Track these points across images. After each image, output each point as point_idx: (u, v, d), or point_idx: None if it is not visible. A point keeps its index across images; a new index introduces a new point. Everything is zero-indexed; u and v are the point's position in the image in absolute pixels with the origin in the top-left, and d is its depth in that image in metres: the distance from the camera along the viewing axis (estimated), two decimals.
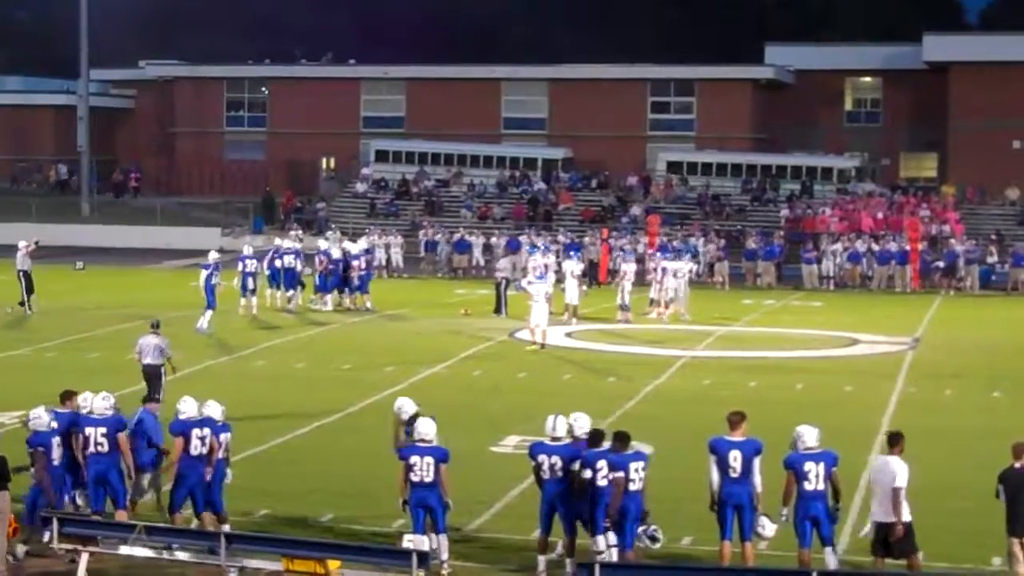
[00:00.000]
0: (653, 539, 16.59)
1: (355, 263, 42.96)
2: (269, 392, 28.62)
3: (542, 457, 16.90)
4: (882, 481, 16.10)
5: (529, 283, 37.01)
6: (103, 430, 17.92)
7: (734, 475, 16.48)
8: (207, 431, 17.94)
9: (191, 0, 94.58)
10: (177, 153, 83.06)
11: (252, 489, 19.84)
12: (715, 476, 16.62)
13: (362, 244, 45.41)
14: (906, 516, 15.98)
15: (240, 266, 41.40)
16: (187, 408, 18.11)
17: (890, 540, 15.95)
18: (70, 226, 68.56)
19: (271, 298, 42.63)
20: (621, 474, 16.32)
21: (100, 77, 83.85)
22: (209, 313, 37.00)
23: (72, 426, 18.29)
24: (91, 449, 17.93)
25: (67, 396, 18.72)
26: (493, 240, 56.71)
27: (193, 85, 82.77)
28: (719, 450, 16.60)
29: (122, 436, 17.96)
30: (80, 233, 67.65)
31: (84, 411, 18.22)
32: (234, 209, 71.13)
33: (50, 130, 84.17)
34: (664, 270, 42.27)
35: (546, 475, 16.92)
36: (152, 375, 25.44)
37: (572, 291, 39.63)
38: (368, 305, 42.75)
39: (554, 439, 17.02)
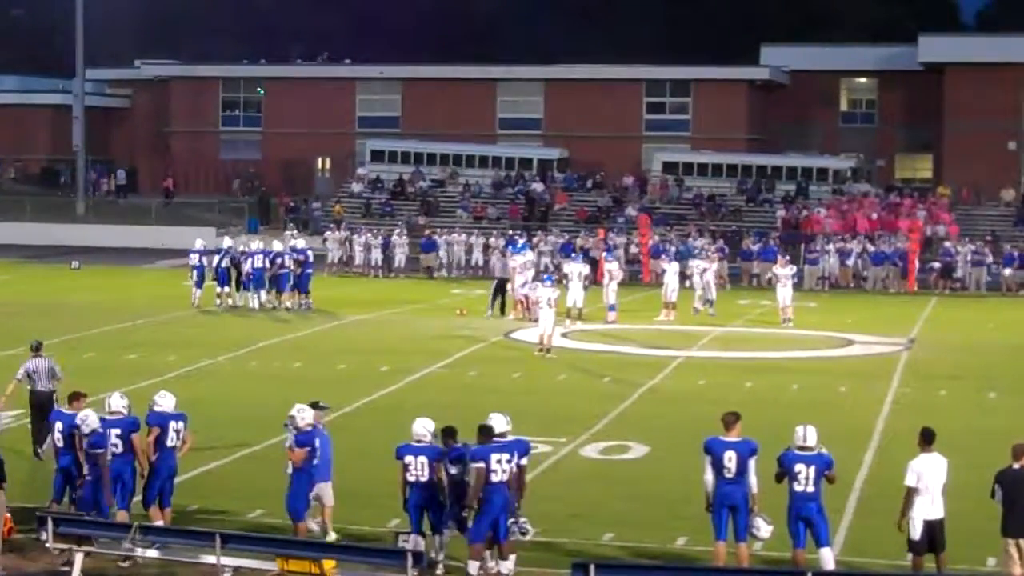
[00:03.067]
0: (523, 532, 16.62)
1: (285, 260, 42.72)
2: (264, 392, 28.59)
3: (408, 458, 16.93)
4: (934, 479, 16.12)
5: (534, 287, 36.91)
6: (118, 431, 17.73)
7: (729, 476, 16.47)
8: (181, 424, 18.07)
9: (187, 0, 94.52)
10: (173, 152, 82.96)
11: (247, 489, 19.83)
12: (710, 477, 16.61)
13: (298, 243, 45.04)
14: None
15: (191, 260, 43.21)
16: (165, 402, 18.18)
17: (938, 536, 16.05)
18: (65, 225, 68.54)
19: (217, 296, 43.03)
20: (481, 465, 16.39)
21: (96, 76, 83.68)
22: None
23: (76, 428, 18.17)
24: None
25: (74, 397, 18.56)
26: (448, 238, 56.77)
27: (189, 85, 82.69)
28: (714, 451, 16.59)
29: (135, 437, 17.85)
30: (75, 232, 67.61)
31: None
32: (229, 209, 71.03)
33: (46, 129, 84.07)
34: (663, 271, 42.28)
35: (412, 477, 16.88)
36: (45, 402, 21.74)
37: (577, 293, 39.57)
38: (290, 304, 42.46)
39: (418, 440, 17.03)
